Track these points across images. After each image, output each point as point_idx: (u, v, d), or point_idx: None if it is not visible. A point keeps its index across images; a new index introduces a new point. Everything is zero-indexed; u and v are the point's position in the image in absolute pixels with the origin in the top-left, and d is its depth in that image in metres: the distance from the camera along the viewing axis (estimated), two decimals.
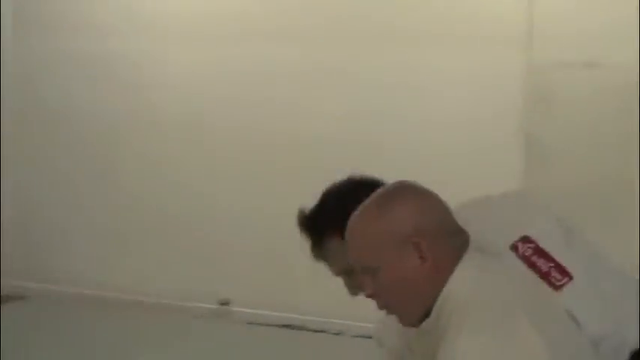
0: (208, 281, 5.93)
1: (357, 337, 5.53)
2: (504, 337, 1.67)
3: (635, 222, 4.49)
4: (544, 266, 1.99)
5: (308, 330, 5.72)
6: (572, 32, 4.72)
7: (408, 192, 1.89)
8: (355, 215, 1.87)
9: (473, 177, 4.76)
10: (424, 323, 1.84)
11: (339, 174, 2.38)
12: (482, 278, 1.81)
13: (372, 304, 1.95)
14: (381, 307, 1.89)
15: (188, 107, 5.98)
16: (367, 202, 1.88)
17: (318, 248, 2.27)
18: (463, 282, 1.79)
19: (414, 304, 1.83)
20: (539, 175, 4.73)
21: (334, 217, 2.14)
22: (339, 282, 5.69)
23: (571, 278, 2.00)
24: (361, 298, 2.16)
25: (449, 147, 5.20)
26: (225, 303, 5.91)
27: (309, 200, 2.38)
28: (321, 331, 5.69)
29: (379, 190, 1.91)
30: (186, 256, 6.02)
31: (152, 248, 6.11)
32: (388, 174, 2.18)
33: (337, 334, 5.67)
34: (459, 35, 5.10)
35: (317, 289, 5.67)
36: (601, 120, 4.69)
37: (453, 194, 1.99)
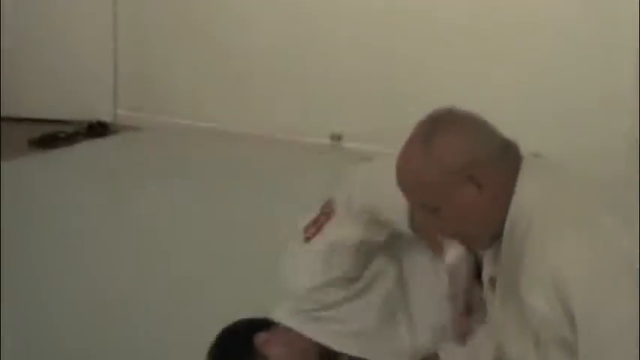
0: (321, 115, 5.95)
1: None
2: (595, 236, 1.63)
3: None
4: None
5: None
6: None
7: (449, 121, 1.81)
8: (401, 155, 1.82)
9: None
10: (502, 247, 1.79)
11: None
12: (547, 184, 1.77)
13: None
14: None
15: None
16: (411, 140, 1.82)
17: None
18: (529, 196, 1.73)
19: (482, 231, 1.78)
20: None
21: None
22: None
23: None
24: None
25: None
26: (337, 137, 5.93)
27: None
28: None
29: (419, 125, 1.84)
30: (300, 91, 6.04)
31: (265, 82, 6.14)
32: None
33: None
34: None
35: None
36: None
37: None
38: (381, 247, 2.15)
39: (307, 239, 2.17)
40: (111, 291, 3.51)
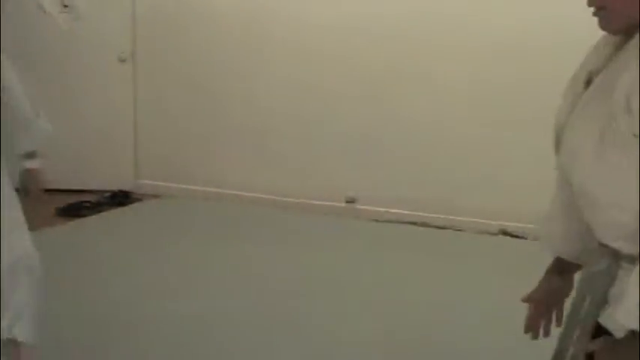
0: (337, 181, 6.19)
1: (479, 233, 5.72)
2: None
3: None
4: None
5: (430, 226, 5.93)
6: None
7: None
8: None
9: None
10: (626, 45, 1.82)
11: None
12: None
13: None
14: (592, 2, 1.82)
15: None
16: None
17: None
18: None
19: (624, 7, 1.78)
20: None
21: None
22: (456, 180, 5.81)
23: None
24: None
25: None
26: (351, 201, 6.15)
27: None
28: (444, 228, 5.88)
29: None
30: (316, 157, 6.31)
31: (284, 149, 6.40)
32: None
33: (459, 230, 5.86)
34: None
35: (435, 186, 5.90)
36: None
37: None
38: None
39: None
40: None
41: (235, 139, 6.54)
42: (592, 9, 1.80)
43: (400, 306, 4.42)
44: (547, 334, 2.08)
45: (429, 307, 4.41)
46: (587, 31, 2.06)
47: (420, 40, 5.87)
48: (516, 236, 5.69)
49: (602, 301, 1.85)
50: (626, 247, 1.81)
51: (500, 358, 3.80)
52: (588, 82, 1.89)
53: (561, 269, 2.06)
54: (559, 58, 5.46)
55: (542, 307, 2.09)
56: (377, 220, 6.03)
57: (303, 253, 5.27)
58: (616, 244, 1.83)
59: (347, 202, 6.17)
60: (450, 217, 5.87)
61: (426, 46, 5.87)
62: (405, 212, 5.98)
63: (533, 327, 2.10)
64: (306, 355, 3.77)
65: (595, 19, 1.82)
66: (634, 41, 1.79)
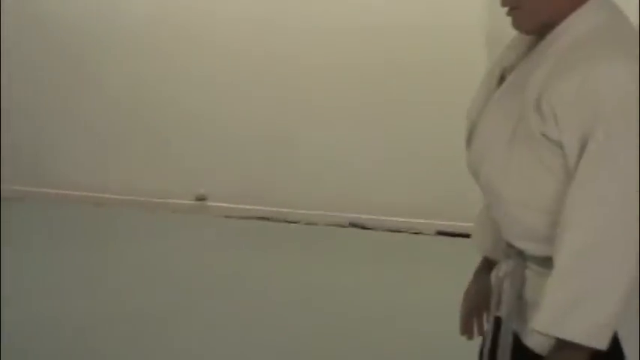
0: (186, 179, 6.17)
1: (330, 225, 5.80)
2: (636, 62, 1.71)
3: None
4: None
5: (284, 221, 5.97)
6: None
7: None
8: None
9: None
10: (536, 42, 1.88)
11: None
12: (605, 18, 1.83)
13: None
14: (506, 2, 1.87)
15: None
16: None
17: None
18: (587, 20, 1.80)
19: (538, 7, 1.83)
20: None
21: None
22: (310, 173, 5.84)
23: None
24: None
25: None
26: (202, 198, 6.12)
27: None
28: (296, 222, 5.95)
29: None
30: (167, 155, 6.23)
31: (134, 148, 6.30)
32: None
33: (309, 224, 5.92)
34: None
35: (286, 180, 5.94)
36: None
37: None
38: None
39: None
40: None
41: (85, 139, 6.40)
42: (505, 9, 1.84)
43: (256, 304, 4.46)
44: (481, 333, 2.11)
45: (281, 305, 4.46)
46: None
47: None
48: (367, 228, 5.79)
49: (516, 301, 1.87)
50: (531, 248, 1.85)
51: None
52: (502, 79, 1.92)
53: (489, 268, 2.07)
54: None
55: (473, 307, 2.11)
56: (228, 217, 6.02)
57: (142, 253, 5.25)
58: (521, 244, 1.86)
59: (197, 199, 6.13)
60: (301, 211, 5.90)
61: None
62: (256, 208, 5.99)
63: (467, 328, 2.12)
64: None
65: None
66: (546, 41, 1.83)
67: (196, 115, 6.09)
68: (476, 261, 2.13)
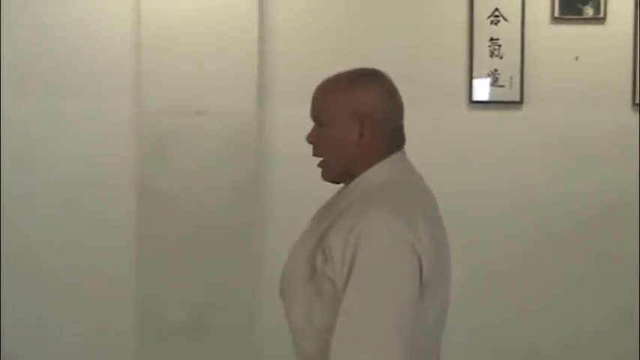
0: None
1: None
2: (397, 218, 1.94)
3: None
4: None
5: None
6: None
7: (379, 80, 2.14)
8: (329, 79, 2.13)
9: (87, 226, 4.54)
10: (340, 191, 2.15)
11: None
12: (395, 178, 2.08)
13: None
14: (315, 154, 2.13)
15: None
16: (344, 73, 2.14)
17: None
18: (379, 175, 2.07)
19: (339, 163, 2.09)
20: (154, 223, 4.42)
21: None
22: None
23: None
24: None
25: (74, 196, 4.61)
26: None
27: None
28: None
29: (358, 69, 2.16)
30: None
31: None
32: None
33: None
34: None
35: None
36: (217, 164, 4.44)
37: None
38: None
39: None
40: None
41: None
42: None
43: None
44: None
45: None
46: None
47: None
48: None
49: None
50: None
51: None
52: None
53: None
54: None
55: None
56: None
57: None
58: None
59: None
60: None
61: None
62: None
63: None
64: None
65: None
66: (346, 189, 2.13)
67: None
68: None
